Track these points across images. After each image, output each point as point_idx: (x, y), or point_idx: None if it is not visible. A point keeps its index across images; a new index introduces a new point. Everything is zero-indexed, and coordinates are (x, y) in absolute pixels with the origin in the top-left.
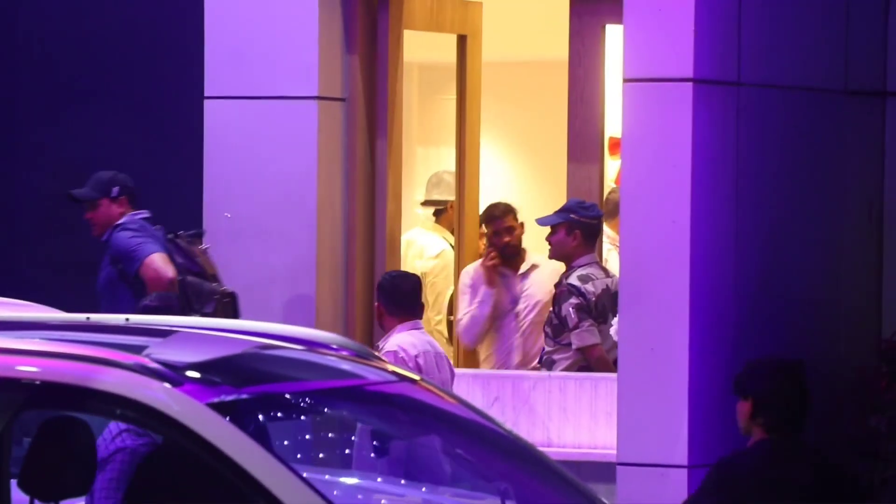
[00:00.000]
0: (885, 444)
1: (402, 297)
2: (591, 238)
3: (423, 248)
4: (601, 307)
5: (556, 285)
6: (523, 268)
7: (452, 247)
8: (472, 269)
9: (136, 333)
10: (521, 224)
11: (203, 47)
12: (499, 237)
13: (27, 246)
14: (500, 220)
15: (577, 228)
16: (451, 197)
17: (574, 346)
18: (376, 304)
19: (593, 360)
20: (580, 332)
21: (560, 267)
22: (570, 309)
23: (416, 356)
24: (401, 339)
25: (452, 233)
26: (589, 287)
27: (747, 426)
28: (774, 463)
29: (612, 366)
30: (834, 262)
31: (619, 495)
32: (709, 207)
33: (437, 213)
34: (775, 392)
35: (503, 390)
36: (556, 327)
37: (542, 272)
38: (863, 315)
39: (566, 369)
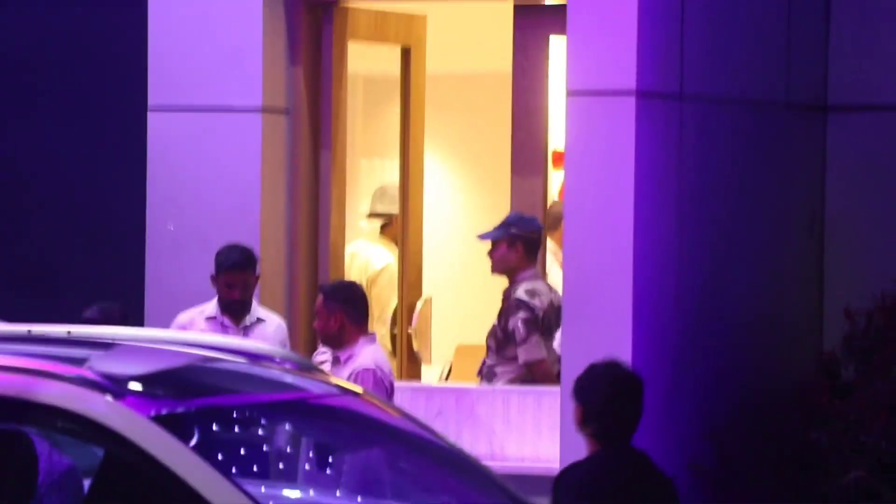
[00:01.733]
0: (826, 458)
1: (363, 307)
2: (533, 251)
3: (367, 259)
4: (548, 322)
5: (504, 299)
6: (247, 320)
7: (397, 259)
8: (188, 317)
9: (78, 345)
10: (257, 277)
11: (147, 58)
12: (230, 291)
13: None
14: (237, 273)
15: (518, 242)
16: (396, 209)
17: (521, 361)
18: (336, 314)
19: (539, 375)
20: (528, 347)
21: (282, 321)
22: (520, 323)
23: (389, 372)
24: (374, 356)
25: (397, 245)
26: (536, 301)
27: (579, 431)
28: (604, 474)
29: (557, 381)
30: (776, 274)
31: None
32: (652, 220)
33: (383, 227)
34: (605, 402)
35: (446, 403)
36: (501, 341)
37: (266, 327)
38: (804, 328)
39: (509, 382)
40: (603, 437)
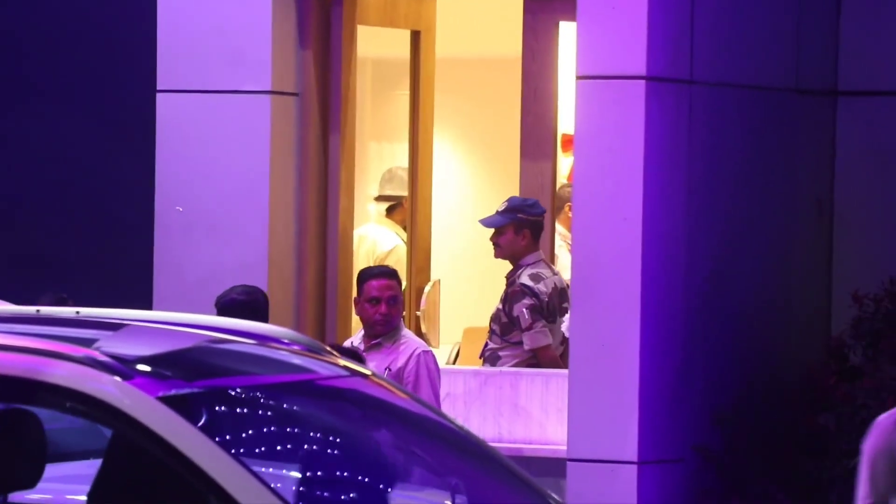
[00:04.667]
0: (833, 442)
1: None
2: (538, 236)
3: (375, 242)
4: (552, 307)
5: (508, 284)
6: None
7: (405, 242)
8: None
9: (87, 326)
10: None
11: (156, 41)
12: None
13: None
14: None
15: (525, 227)
16: (405, 192)
17: (527, 347)
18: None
19: (545, 362)
20: (534, 334)
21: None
22: (524, 310)
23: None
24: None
25: (405, 228)
26: (541, 287)
27: None
28: None
29: (563, 365)
30: (784, 259)
31: (570, 491)
32: (661, 205)
33: (389, 209)
34: None
35: (454, 386)
36: (505, 325)
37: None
38: (812, 313)
39: (513, 367)
40: None
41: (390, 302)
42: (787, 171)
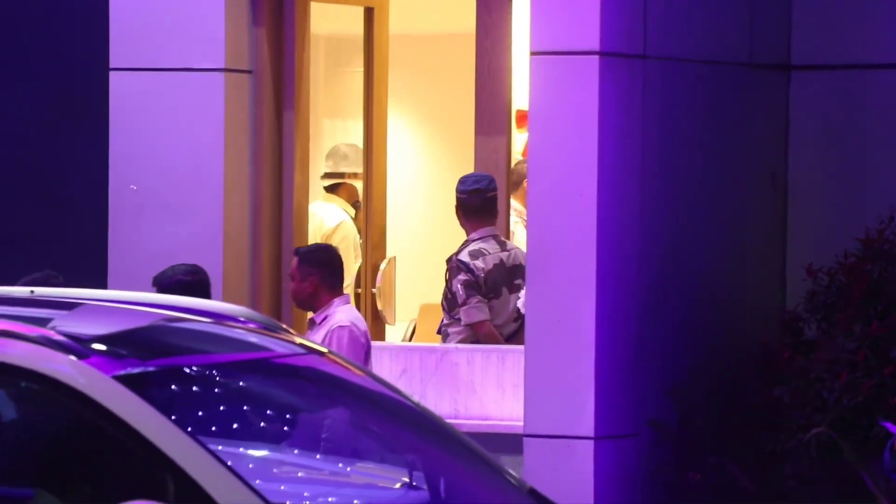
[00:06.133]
0: (788, 415)
1: (339, 270)
2: (471, 212)
3: (322, 219)
4: (492, 282)
5: (448, 260)
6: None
7: (353, 218)
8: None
9: (41, 306)
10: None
11: (108, 18)
12: None
13: None
14: None
15: (457, 205)
16: (349, 169)
17: (462, 323)
18: (311, 278)
19: (482, 336)
20: (468, 309)
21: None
22: (459, 285)
23: (365, 331)
24: (350, 315)
25: (353, 205)
26: (479, 262)
27: None
28: None
29: (500, 340)
30: (739, 233)
31: (526, 467)
32: (615, 181)
33: (332, 187)
34: None
35: (411, 362)
36: (450, 301)
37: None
38: (767, 286)
39: (459, 343)
40: None
41: (291, 278)
42: (741, 146)
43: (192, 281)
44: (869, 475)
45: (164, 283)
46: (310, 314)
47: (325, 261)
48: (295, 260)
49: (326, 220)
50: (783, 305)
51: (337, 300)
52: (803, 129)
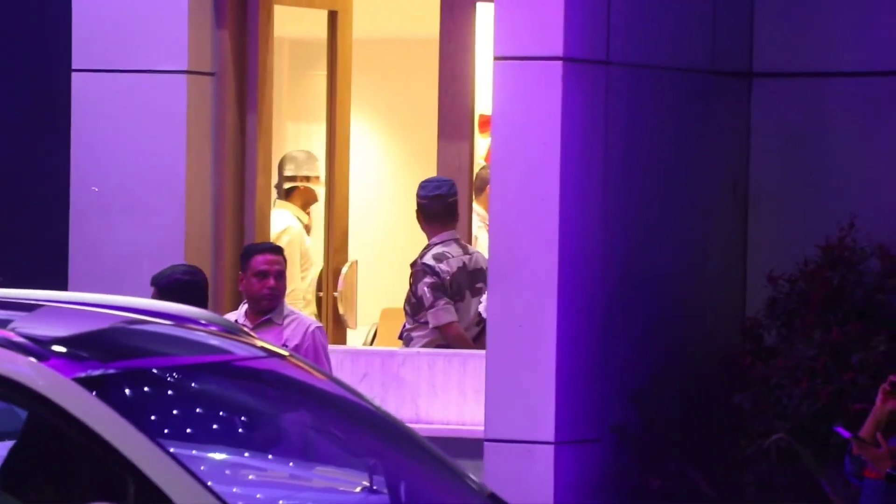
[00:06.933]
0: (749, 421)
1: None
2: (432, 217)
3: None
4: (456, 286)
5: (412, 265)
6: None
7: (305, 225)
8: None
9: (1, 307)
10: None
11: (71, 18)
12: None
13: None
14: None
15: (417, 209)
16: (310, 173)
17: (431, 325)
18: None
19: (451, 338)
20: (436, 311)
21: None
22: (426, 288)
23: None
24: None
25: (304, 209)
26: (443, 266)
27: None
28: None
29: (469, 342)
30: (701, 240)
31: (487, 471)
32: (578, 186)
33: (288, 191)
34: None
35: (372, 366)
36: (415, 306)
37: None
38: (728, 293)
39: (424, 346)
40: None
41: (277, 276)
42: (703, 152)
43: (189, 281)
44: (827, 481)
45: (162, 282)
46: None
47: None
48: (279, 258)
49: (273, 226)
50: (744, 312)
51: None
52: (764, 136)
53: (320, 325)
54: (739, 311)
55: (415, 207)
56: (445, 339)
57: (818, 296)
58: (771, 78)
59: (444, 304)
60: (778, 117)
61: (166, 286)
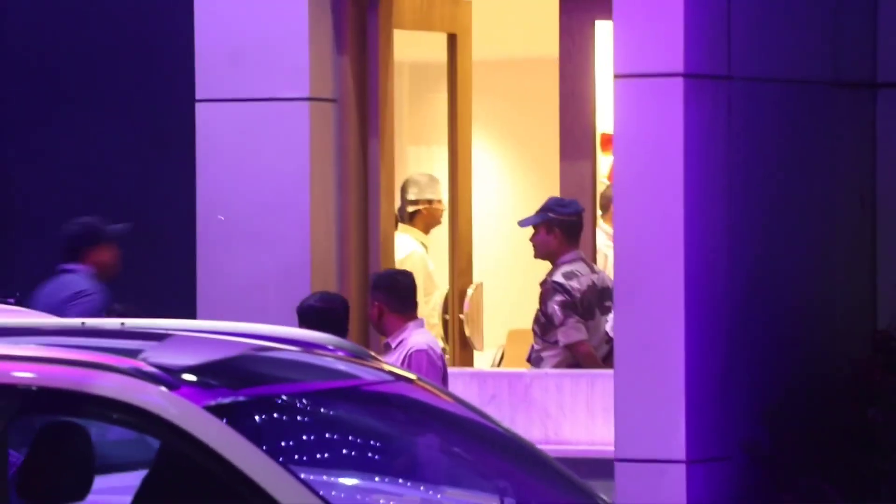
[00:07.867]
0: (882, 435)
1: (404, 294)
2: (573, 235)
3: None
4: (587, 303)
5: (542, 283)
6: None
7: (425, 246)
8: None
9: (132, 337)
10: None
11: (194, 50)
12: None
13: (22, 250)
14: None
15: (556, 226)
16: (423, 196)
17: (561, 344)
18: (376, 303)
19: (581, 356)
20: (566, 329)
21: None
22: (556, 306)
23: (441, 355)
24: (425, 338)
25: (426, 232)
26: (574, 284)
27: None
28: None
29: (599, 361)
30: (827, 254)
31: (618, 491)
32: (702, 202)
33: (412, 215)
34: None
35: (500, 388)
36: (544, 325)
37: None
38: (857, 306)
39: (555, 367)
40: None
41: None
42: (827, 165)
43: (322, 308)
44: None
45: (299, 310)
46: (383, 338)
47: (388, 286)
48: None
49: (397, 251)
50: (874, 325)
51: (411, 324)
52: (891, 146)
53: (422, 348)
54: (870, 324)
55: (546, 223)
56: (575, 357)
57: None
58: (895, 88)
59: (575, 323)
60: None
61: (301, 313)
